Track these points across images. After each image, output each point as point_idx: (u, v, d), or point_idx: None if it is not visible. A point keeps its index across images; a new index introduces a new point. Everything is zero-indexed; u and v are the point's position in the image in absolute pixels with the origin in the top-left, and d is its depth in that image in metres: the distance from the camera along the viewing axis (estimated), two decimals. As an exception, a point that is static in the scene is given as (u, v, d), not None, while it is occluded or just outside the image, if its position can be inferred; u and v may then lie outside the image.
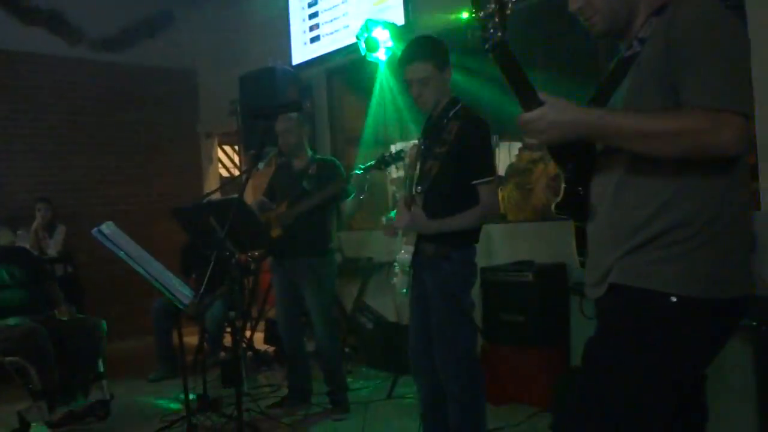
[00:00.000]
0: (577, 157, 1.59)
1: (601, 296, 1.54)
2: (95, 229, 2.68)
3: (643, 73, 1.46)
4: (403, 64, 2.68)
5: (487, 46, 1.42)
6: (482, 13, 1.39)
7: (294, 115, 3.87)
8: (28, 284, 4.29)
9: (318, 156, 4.07)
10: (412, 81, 2.66)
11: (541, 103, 1.44)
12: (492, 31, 1.39)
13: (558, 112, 1.42)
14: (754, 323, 2.22)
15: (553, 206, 1.65)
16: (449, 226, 2.59)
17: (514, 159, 4.68)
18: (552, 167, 4.62)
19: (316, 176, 3.83)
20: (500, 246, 4.35)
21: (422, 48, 2.68)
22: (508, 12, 1.38)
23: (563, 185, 1.61)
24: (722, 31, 1.37)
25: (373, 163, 3.46)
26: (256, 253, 3.94)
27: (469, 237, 2.68)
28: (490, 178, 2.62)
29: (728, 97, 1.31)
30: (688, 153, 1.35)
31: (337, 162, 3.90)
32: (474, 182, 2.58)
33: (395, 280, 2.67)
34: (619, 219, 1.49)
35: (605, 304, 1.54)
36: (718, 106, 1.31)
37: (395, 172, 6.65)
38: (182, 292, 2.86)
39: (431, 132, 2.73)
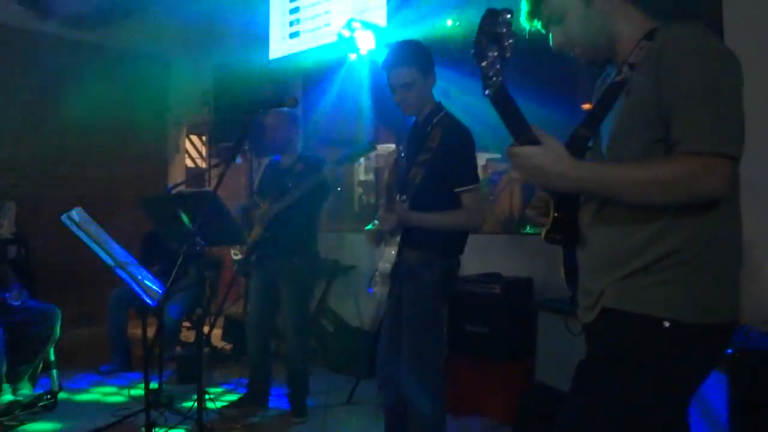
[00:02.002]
0: None
1: (592, 320, 1.54)
2: (64, 215, 2.56)
3: (633, 103, 1.46)
4: (387, 68, 2.66)
5: (487, 92, 1.41)
6: (484, 62, 1.38)
7: (285, 110, 3.79)
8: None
9: (307, 154, 3.98)
10: (395, 86, 2.64)
11: (535, 143, 1.42)
12: (493, 78, 1.39)
13: (548, 158, 1.40)
14: (729, 351, 2.26)
15: (542, 234, 1.63)
16: (435, 220, 2.58)
17: (480, 170, 4.69)
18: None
19: (300, 174, 3.76)
20: (467, 256, 4.35)
21: (406, 53, 2.65)
22: (508, 56, 1.37)
23: (552, 212, 1.60)
24: (714, 66, 1.36)
25: (343, 155, 3.42)
26: (238, 252, 3.82)
27: (454, 246, 2.67)
28: (473, 186, 2.60)
29: (718, 139, 1.31)
30: (680, 200, 1.36)
31: (325, 161, 3.84)
32: (456, 190, 2.57)
33: (376, 289, 2.63)
34: (613, 246, 1.49)
35: (597, 328, 1.53)
36: (707, 150, 1.31)
37: (363, 174, 6.63)
38: (151, 287, 2.76)
39: (415, 139, 2.70)
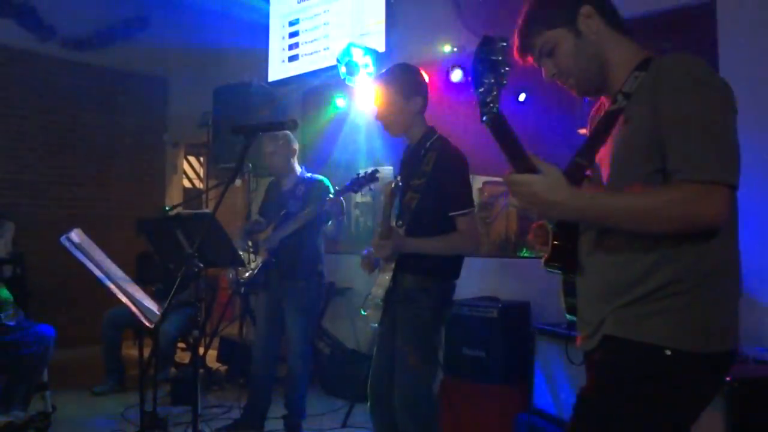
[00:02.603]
0: None
1: (593, 348, 1.54)
2: (63, 237, 2.55)
3: (631, 133, 1.47)
4: (374, 86, 2.83)
5: (484, 119, 1.42)
6: (481, 89, 1.40)
7: (280, 134, 3.80)
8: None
9: (308, 175, 3.98)
10: (375, 103, 2.76)
11: (533, 170, 1.43)
12: (490, 105, 1.40)
13: (546, 186, 1.41)
14: (727, 379, 2.26)
15: (542, 262, 1.64)
16: (430, 246, 2.58)
17: (477, 193, 4.72)
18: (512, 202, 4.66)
19: (302, 197, 3.77)
20: (463, 280, 4.35)
21: (388, 73, 2.76)
22: (505, 83, 1.39)
23: (551, 240, 1.61)
24: (708, 95, 1.38)
25: (347, 184, 3.42)
26: (246, 275, 3.80)
27: (450, 270, 2.67)
28: (468, 210, 2.61)
29: (714, 168, 1.33)
30: (678, 229, 1.37)
31: (327, 182, 3.84)
32: (451, 214, 2.58)
33: (368, 312, 2.62)
34: (613, 275, 1.49)
35: (598, 355, 1.53)
36: (704, 178, 1.32)
37: (360, 197, 6.63)
38: (150, 309, 2.74)
39: (409, 164, 2.72)
